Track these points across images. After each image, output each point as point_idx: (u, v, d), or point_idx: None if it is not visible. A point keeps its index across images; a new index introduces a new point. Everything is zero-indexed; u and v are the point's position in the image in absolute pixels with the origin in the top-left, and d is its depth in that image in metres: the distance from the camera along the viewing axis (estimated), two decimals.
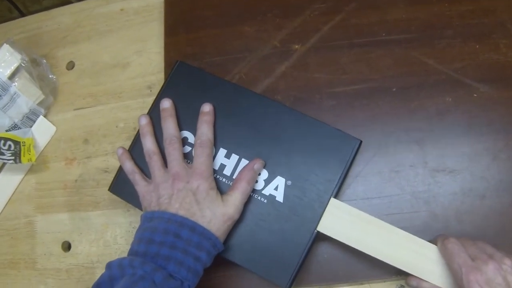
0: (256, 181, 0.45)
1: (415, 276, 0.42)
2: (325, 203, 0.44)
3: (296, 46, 0.54)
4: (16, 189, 0.58)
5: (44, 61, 0.59)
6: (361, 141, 0.45)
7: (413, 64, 0.52)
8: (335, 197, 0.44)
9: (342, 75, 0.52)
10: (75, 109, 0.59)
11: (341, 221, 0.43)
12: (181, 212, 0.41)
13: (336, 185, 0.44)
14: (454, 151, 0.49)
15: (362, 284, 0.47)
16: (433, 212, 0.47)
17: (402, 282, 0.47)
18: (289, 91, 0.52)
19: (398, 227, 0.43)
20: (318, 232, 0.44)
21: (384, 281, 0.47)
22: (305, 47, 0.54)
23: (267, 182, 0.45)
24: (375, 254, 0.42)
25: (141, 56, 0.58)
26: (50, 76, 0.59)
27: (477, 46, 0.52)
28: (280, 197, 0.44)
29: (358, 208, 0.44)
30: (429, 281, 0.42)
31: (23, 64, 0.54)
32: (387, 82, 0.51)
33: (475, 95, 0.50)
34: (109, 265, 0.39)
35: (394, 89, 0.51)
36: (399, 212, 0.48)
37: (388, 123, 0.50)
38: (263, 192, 0.45)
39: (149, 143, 0.46)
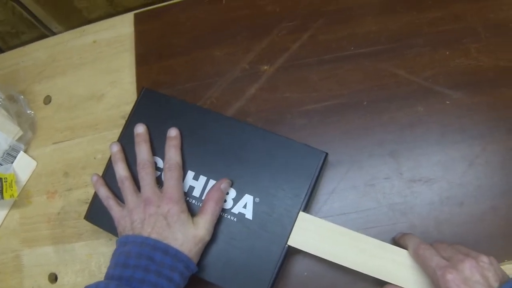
0: (225, 201, 0.50)
1: (392, 284, 0.46)
2: (294, 218, 0.49)
3: (265, 67, 0.60)
4: (1, 225, 0.63)
5: (22, 97, 0.65)
6: (326, 154, 0.50)
7: (383, 76, 0.57)
8: (304, 211, 0.49)
9: (312, 92, 0.57)
10: (54, 143, 0.65)
11: (311, 234, 0.48)
12: (154, 236, 0.46)
13: (304, 199, 0.49)
14: (429, 160, 0.53)
15: None
16: (411, 223, 0.52)
17: None
18: (260, 113, 0.58)
19: None
20: (289, 246, 0.48)
21: None
22: (274, 68, 0.59)
23: (236, 200, 0.50)
24: (347, 264, 0.47)
25: (115, 87, 0.65)
26: (28, 112, 0.65)
27: (448, 53, 0.56)
28: (249, 215, 0.50)
29: (335, 224, 0.49)
30: (406, 287, 0.45)
31: None
32: (358, 96, 0.56)
33: (447, 102, 0.55)
34: None
35: (365, 103, 0.56)
36: (377, 226, 0.52)
37: (360, 137, 0.55)
38: (232, 211, 0.50)
39: (121, 169, 0.52)
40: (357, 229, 0.49)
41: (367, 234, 0.48)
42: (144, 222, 0.47)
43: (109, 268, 0.46)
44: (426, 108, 0.55)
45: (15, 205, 0.64)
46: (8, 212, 0.64)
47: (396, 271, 0.46)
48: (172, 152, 0.51)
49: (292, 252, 0.50)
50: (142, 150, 0.52)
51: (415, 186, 0.53)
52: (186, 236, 0.47)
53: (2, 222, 0.64)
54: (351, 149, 0.55)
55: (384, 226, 0.52)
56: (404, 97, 0.56)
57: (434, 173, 0.53)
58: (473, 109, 0.54)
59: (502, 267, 0.42)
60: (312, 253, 0.48)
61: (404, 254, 0.46)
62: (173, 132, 0.52)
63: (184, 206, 0.49)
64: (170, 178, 0.49)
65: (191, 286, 0.48)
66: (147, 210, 0.47)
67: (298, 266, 0.53)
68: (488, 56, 0.55)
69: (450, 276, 0.40)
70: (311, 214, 0.50)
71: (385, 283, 0.47)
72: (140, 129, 0.53)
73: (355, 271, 0.47)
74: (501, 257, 0.48)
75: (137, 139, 0.53)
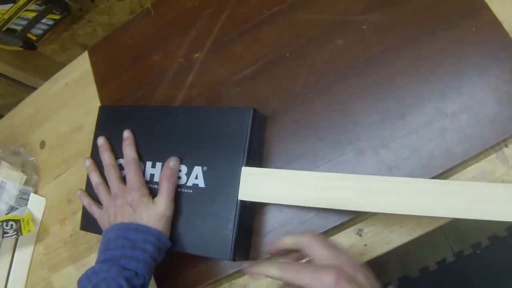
0: (180, 177, 0.57)
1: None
2: (239, 174, 0.54)
3: (197, 55, 0.67)
4: (31, 260, 0.75)
5: (22, 149, 0.78)
6: (254, 109, 0.55)
7: (297, 25, 0.62)
8: (247, 165, 0.54)
9: (239, 62, 0.64)
10: (55, 178, 0.77)
11: (258, 184, 0.53)
12: (125, 221, 0.55)
13: (243, 154, 0.54)
14: (359, 86, 0.56)
15: None
16: (360, 148, 0.55)
17: (360, 226, 0.54)
18: (201, 95, 0.65)
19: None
20: (242, 201, 0.54)
21: (343, 230, 0.54)
22: (204, 53, 0.67)
23: (188, 175, 0.57)
24: (298, 203, 0.50)
25: (90, 116, 0.75)
26: (30, 159, 0.77)
27: None
28: (202, 184, 0.56)
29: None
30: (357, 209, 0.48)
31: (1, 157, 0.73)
32: (279, 51, 0.62)
33: (364, 27, 0.58)
34: (80, 280, 0.53)
35: (288, 55, 0.61)
36: (328, 161, 0.56)
37: (291, 86, 0.60)
38: (187, 184, 0.57)
39: (94, 178, 0.62)
40: (309, 170, 0.52)
41: (321, 171, 0.52)
42: (116, 214, 0.56)
43: (96, 259, 0.55)
44: (345, 40, 0.58)
45: (38, 239, 0.76)
46: (34, 248, 0.75)
47: (343, 197, 0.48)
48: (128, 150, 0.60)
49: (257, 207, 0.55)
50: (105, 157, 0.61)
51: (353, 116, 0.56)
52: (149, 215, 0.54)
53: (32, 257, 0.75)
54: (285, 99, 0.60)
55: (334, 159, 0.55)
56: (321, 36, 0.60)
57: (365, 99, 0.56)
58: (390, 26, 0.56)
59: None
60: (264, 201, 0.52)
61: (344, 178, 0.49)
62: (125, 134, 0.61)
63: (146, 191, 0.57)
64: (129, 172, 0.58)
65: (185, 266, 0.55)
66: (116, 203, 0.56)
67: (266, 219, 0.57)
68: None
69: None
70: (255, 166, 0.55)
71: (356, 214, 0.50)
72: (100, 141, 0.63)
73: (323, 210, 0.50)
74: None
75: (99, 150, 0.62)
